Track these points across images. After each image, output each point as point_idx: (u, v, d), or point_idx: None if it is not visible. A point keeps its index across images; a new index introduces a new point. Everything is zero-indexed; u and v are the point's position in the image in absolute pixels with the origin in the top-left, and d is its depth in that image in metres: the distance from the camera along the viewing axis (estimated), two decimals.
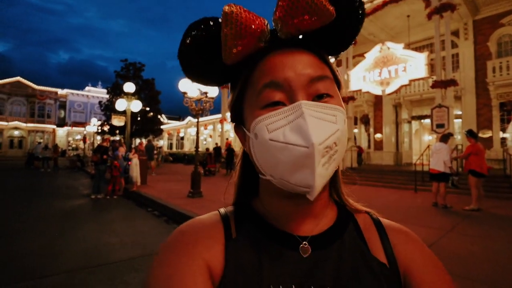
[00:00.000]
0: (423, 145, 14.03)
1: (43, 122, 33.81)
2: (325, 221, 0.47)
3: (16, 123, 32.04)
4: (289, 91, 0.41)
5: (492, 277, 2.84)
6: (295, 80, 0.41)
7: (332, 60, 0.50)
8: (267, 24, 0.42)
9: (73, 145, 36.26)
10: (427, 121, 12.94)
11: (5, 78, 32.27)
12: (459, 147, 10.37)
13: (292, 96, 0.41)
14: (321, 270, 0.42)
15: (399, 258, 0.44)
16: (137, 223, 5.37)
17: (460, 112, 12.85)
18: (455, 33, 12.75)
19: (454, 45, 12.62)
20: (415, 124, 15.61)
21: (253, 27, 0.40)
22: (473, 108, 12.46)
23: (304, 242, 0.44)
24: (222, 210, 0.51)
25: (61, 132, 36.06)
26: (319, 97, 0.42)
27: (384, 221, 0.50)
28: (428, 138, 15.27)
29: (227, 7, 0.39)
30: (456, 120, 12.74)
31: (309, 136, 0.36)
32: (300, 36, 0.43)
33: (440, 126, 9.45)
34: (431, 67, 10.35)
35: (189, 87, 7.23)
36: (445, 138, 6.44)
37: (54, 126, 34.88)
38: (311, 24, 0.40)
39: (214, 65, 0.45)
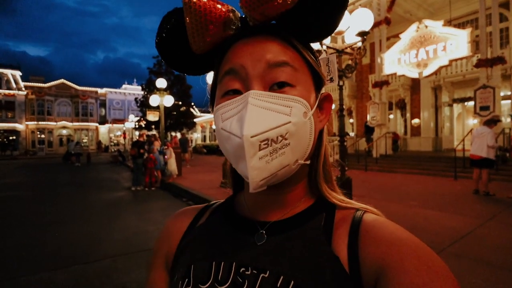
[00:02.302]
0: (466, 130, 13.04)
1: (86, 121, 36.40)
2: (294, 211, 0.46)
3: (63, 122, 34.84)
4: (245, 79, 0.40)
5: None
6: (250, 67, 0.40)
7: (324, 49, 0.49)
8: (231, 10, 0.41)
9: (115, 141, 38.64)
10: (471, 103, 11.94)
11: (48, 81, 34.90)
12: (507, 131, 9.49)
13: (248, 84, 0.40)
14: (267, 255, 0.42)
15: (367, 258, 0.37)
16: (172, 212, 5.64)
17: (509, 93, 11.69)
18: (504, 5, 11.48)
19: (503, 18, 11.43)
20: (457, 107, 14.50)
21: (215, 15, 0.39)
22: None
23: (261, 231, 0.44)
24: (216, 201, 0.59)
25: (103, 129, 38.59)
26: (278, 86, 0.40)
27: (367, 220, 0.42)
28: (473, 122, 14.13)
29: None
30: (504, 102, 11.64)
31: (243, 127, 0.36)
32: (274, 22, 0.41)
33: (485, 108, 8.69)
34: (475, 44, 9.47)
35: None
36: (490, 122, 5.95)
37: (97, 124, 37.43)
38: (274, 9, 0.38)
39: (190, 54, 0.44)
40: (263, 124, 0.37)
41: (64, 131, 35.43)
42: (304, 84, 0.42)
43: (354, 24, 4.58)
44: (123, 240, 4.03)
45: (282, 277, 0.39)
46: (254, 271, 0.41)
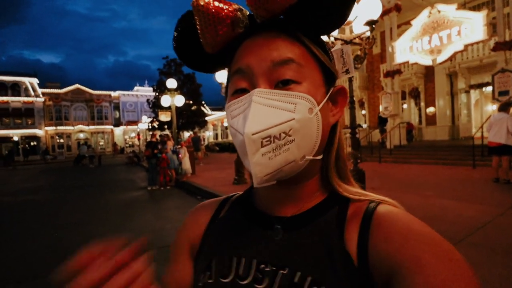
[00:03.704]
0: (485, 116, 12.56)
1: (102, 124, 37.32)
2: (309, 206, 0.46)
3: (80, 126, 35.87)
4: (251, 78, 0.41)
5: None
6: (256, 66, 0.41)
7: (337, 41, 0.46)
8: (239, 9, 0.41)
9: (130, 142, 39.48)
10: (489, 89, 11.50)
11: (63, 87, 35.82)
12: None
13: (254, 83, 0.41)
14: (284, 251, 0.43)
15: (378, 254, 0.36)
16: (187, 210, 5.75)
17: None
18: None
19: None
20: (474, 93, 13.97)
21: (222, 16, 0.40)
22: None
23: (277, 226, 0.45)
24: (235, 193, 0.60)
25: (118, 131, 39.48)
26: (283, 83, 0.40)
27: (380, 212, 0.40)
28: (492, 108, 13.60)
29: (194, 0, 0.40)
30: None
31: (245, 124, 0.37)
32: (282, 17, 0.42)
33: (504, 93, 8.35)
34: (492, 27, 9.09)
35: (226, 78, 7.37)
36: (506, 106, 5.76)
37: (112, 127, 38.31)
38: (279, 4, 0.38)
39: (205, 54, 0.45)
40: (265, 122, 0.37)
41: (81, 135, 36.48)
42: (311, 80, 0.42)
43: (362, 13, 4.48)
44: (140, 237, 4.14)
45: (299, 273, 0.40)
46: (273, 268, 0.42)
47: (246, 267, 0.44)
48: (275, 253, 0.43)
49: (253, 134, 0.36)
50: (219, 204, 0.57)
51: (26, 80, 32.12)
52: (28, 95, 32.26)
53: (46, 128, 33.77)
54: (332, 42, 4.14)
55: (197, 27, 0.42)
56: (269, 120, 0.38)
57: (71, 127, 35.32)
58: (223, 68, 0.51)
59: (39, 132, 32.99)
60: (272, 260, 0.43)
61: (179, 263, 0.54)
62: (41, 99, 33.07)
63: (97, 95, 37.30)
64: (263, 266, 0.43)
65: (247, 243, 0.46)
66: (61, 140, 34.95)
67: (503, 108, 5.78)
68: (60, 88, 35.59)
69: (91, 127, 36.61)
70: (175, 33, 0.46)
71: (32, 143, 33.10)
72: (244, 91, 0.42)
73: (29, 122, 32.68)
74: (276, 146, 0.38)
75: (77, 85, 36.43)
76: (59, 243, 4.12)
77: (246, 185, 0.59)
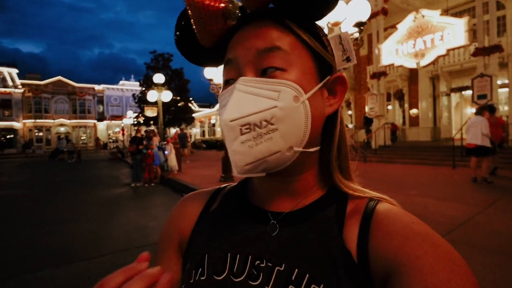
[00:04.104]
0: (464, 119, 13.03)
1: (84, 118, 36.20)
2: (307, 202, 0.45)
3: (61, 120, 34.65)
4: (239, 68, 0.41)
5: None
6: (242, 55, 0.41)
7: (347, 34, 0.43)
8: (230, 1, 0.41)
9: (113, 138, 38.56)
10: (469, 92, 11.95)
11: (43, 78, 34.48)
12: (504, 118, 9.51)
13: (241, 72, 0.41)
14: (281, 247, 0.42)
15: (378, 253, 0.36)
16: (172, 208, 5.69)
17: (506, 81, 11.68)
18: None
19: (500, 6, 11.33)
20: (455, 96, 14.49)
21: (213, 8, 0.40)
22: None
23: (273, 221, 0.44)
24: (227, 185, 0.58)
25: (101, 126, 38.46)
26: (269, 71, 0.40)
27: (380, 210, 0.40)
28: (471, 110, 14.12)
29: None
30: (502, 90, 11.62)
31: (224, 112, 0.37)
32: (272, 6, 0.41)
33: (482, 97, 8.70)
34: (472, 33, 9.43)
35: (214, 74, 7.30)
36: (481, 110, 6.13)
37: (95, 121, 37.25)
38: None
39: (205, 48, 0.45)
40: (244, 109, 0.37)
41: (62, 129, 35.29)
42: (299, 67, 0.40)
43: (351, 14, 4.54)
44: (124, 236, 4.05)
45: (296, 270, 0.39)
46: (269, 264, 0.41)
47: (241, 263, 0.42)
48: (271, 249, 0.42)
49: (231, 121, 0.36)
50: (210, 196, 0.55)
51: (5, 70, 30.72)
52: (5, 86, 30.87)
53: (24, 120, 32.45)
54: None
55: (192, 21, 0.41)
56: (249, 107, 0.37)
57: (51, 120, 34.07)
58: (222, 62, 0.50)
59: (16, 124, 31.68)
60: (268, 256, 0.41)
61: (166, 259, 0.51)
62: (20, 90, 31.73)
63: (80, 88, 36.14)
64: (258, 262, 0.41)
65: (242, 238, 0.45)
66: (40, 134, 33.69)
67: (479, 112, 6.13)
68: (41, 79, 34.28)
69: (73, 121, 35.46)
70: (176, 28, 0.46)
71: (8, 136, 31.75)
72: (233, 81, 0.42)
73: (6, 114, 31.32)
74: (257, 135, 0.37)
75: (59, 77, 35.16)
76: (39, 241, 3.97)
77: (233, 183, 0.57)
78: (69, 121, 35.21)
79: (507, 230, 3.31)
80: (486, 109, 6.25)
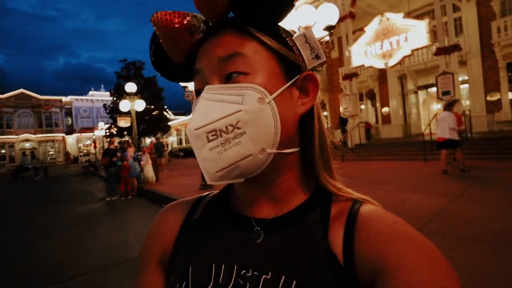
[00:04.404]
0: (431, 114, 13.77)
1: (52, 132, 34.32)
2: (290, 206, 0.44)
3: (25, 135, 32.64)
4: (205, 77, 0.42)
5: (497, 237, 2.90)
6: (206, 65, 0.42)
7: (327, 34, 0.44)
8: (193, 16, 0.42)
9: (84, 151, 36.91)
10: (434, 89, 12.65)
11: (4, 90, 32.34)
12: (467, 112, 10.16)
13: (207, 81, 0.42)
14: (267, 254, 0.41)
15: (362, 254, 0.36)
16: (152, 220, 5.50)
17: (466, 77, 12.51)
18: None
19: (456, 8, 12.14)
20: (422, 94, 15.27)
21: (176, 25, 0.41)
22: (479, 72, 12.07)
23: (257, 228, 0.43)
24: (209, 192, 0.56)
25: (71, 139, 36.67)
26: (230, 77, 0.40)
27: (364, 212, 0.40)
28: (437, 106, 14.96)
29: (152, 17, 0.41)
30: (463, 86, 12.42)
31: (191, 121, 0.38)
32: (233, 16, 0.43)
33: (446, 93, 9.24)
34: (433, 34, 10.03)
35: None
36: (449, 106, 6.51)
37: (63, 134, 35.43)
38: (219, 2, 0.40)
39: (178, 65, 0.46)
40: (208, 116, 0.38)
41: (27, 144, 33.25)
42: (263, 70, 0.40)
43: (320, 18, 4.68)
44: (101, 253, 3.85)
45: (283, 277, 0.38)
46: (255, 273, 0.40)
47: (226, 273, 0.41)
48: (256, 257, 0.41)
49: (196, 129, 0.37)
50: (192, 205, 0.53)
51: None
52: None
53: None
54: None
55: (161, 40, 0.43)
56: (213, 114, 0.38)
57: (14, 136, 32.01)
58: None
59: None
60: (254, 265, 0.40)
61: (146, 275, 0.49)
62: None
63: (45, 100, 34.25)
64: (244, 271, 0.40)
65: (226, 247, 0.44)
66: (3, 151, 31.54)
67: (447, 107, 6.51)
68: (2, 93, 32.17)
69: (39, 135, 33.49)
70: (150, 48, 0.46)
71: None
72: (201, 91, 0.42)
73: None
74: (224, 140, 0.38)
75: (21, 90, 33.14)
76: (7, 265, 3.68)
77: (213, 190, 0.56)
78: (34, 135, 33.22)
79: (477, 217, 3.50)
80: (453, 104, 6.67)
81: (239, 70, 0.39)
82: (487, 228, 3.12)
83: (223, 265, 0.42)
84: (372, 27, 11.25)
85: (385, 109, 15.56)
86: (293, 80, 0.43)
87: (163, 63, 0.47)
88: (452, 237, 3.01)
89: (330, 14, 4.68)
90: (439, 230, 3.21)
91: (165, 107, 25.72)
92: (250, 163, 0.39)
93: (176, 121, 32.33)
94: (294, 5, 0.42)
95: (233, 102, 0.38)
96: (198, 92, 0.43)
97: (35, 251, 4.18)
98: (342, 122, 13.90)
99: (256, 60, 0.40)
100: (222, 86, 0.39)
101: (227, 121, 0.37)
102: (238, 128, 0.38)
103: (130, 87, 10.78)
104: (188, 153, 24.95)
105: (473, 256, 2.56)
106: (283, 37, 0.43)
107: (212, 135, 0.37)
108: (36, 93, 34.19)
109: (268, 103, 0.39)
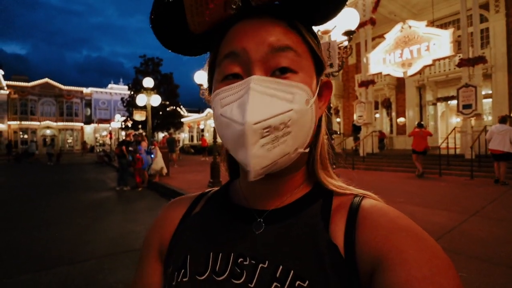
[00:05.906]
0: (449, 128, 13.38)
1: (71, 121, 35.49)
2: (292, 199, 0.45)
3: (47, 122, 33.87)
4: (247, 63, 0.38)
5: (510, 259, 2.78)
6: (253, 50, 0.38)
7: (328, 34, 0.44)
8: None
9: (100, 141, 37.85)
10: (454, 102, 12.28)
11: (29, 79, 33.72)
12: (488, 128, 9.81)
13: (249, 69, 0.38)
14: (266, 244, 0.41)
15: (364, 247, 0.36)
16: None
17: (490, 92, 12.09)
18: (484, 6, 11.88)
19: (483, 19, 11.80)
20: (441, 106, 14.86)
21: None
22: (504, 86, 11.65)
23: (259, 219, 0.43)
24: (211, 189, 0.57)
25: (89, 129, 37.74)
26: (281, 71, 0.38)
27: (365, 206, 0.40)
28: (456, 120, 14.52)
29: None
30: (486, 100, 12.00)
31: (245, 113, 0.34)
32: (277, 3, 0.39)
33: (468, 107, 8.95)
34: (457, 44, 9.74)
35: (205, 79, 7.27)
36: (505, 119, 6.79)
37: (82, 124, 36.56)
38: None
39: (187, 34, 0.42)
40: (265, 111, 0.35)
41: (48, 131, 34.46)
42: (306, 70, 0.40)
43: (340, 23, 4.63)
44: (109, 240, 3.95)
45: (281, 266, 0.38)
46: (252, 261, 0.40)
47: (223, 262, 0.41)
48: (255, 247, 0.41)
49: (254, 124, 0.34)
50: (194, 200, 0.54)
51: None
52: None
53: (9, 122, 31.57)
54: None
55: (186, 2, 0.38)
56: (269, 109, 0.35)
57: (37, 123, 33.27)
58: (205, 52, 0.47)
59: (1, 126, 30.76)
60: (251, 254, 0.41)
61: (147, 265, 0.50)
62: (6, 91, 30.91)
63: (67, 91, 35.48)
64: (241, 260, 0.41)
65: (225, 237, 0.44)
66: (25, 136, 32.79)
67: (503, 120, 6.72)
68: (28, 81, 33.46)
69: (59, 123, 34.70)
70: (155, 5, 0.41)
71: None
72: (236, 77, 0.39)
73: None
74: (274, 137, 0.36)
75: (46, 79, 34.46)
76: (20, 245, 3.82)
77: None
78: (55, 123, 34.43)
79: (490, 237, 3.37)
80: (509, 118, 6.94)
81: (290, 67, 0.38)
82: (502, 250, 3.00)
83: (221, 254, 0.42)
84: (393, 34, 11.04)
85: (401, 119, 15.23)
86: (320, 84, 0.44)
87: (167, 27, 0.42)
88: (463, 256, 2.90)
89: (351, 19, 4.63)
90: (450, 248, 3.09)
91: (180, 103, 26.07)
92: (284, 161, 0.39)
93: (189, 118, 32.67)
94: (339, 13, 0.41)
95: (285, 99, 0.37)
96: (228, 77, 0.40)
97: (47, 234, 4.33)
98: (355, 130, 13.69)
99: (303, 59, 0.40)
100: (275, 80, 0.37)
101: (281, 118, 0.36)
102: (288, 127, 0.37)
103: (148, 81, 10.99)
104: (199, 150, 25.15)
105: (485, 278, 2.47)
106: (318, 39, 0.44)
107: (266, 132, 0.35)
108: (59, 83, 35.40)
109: (311, 105, 0.39)
